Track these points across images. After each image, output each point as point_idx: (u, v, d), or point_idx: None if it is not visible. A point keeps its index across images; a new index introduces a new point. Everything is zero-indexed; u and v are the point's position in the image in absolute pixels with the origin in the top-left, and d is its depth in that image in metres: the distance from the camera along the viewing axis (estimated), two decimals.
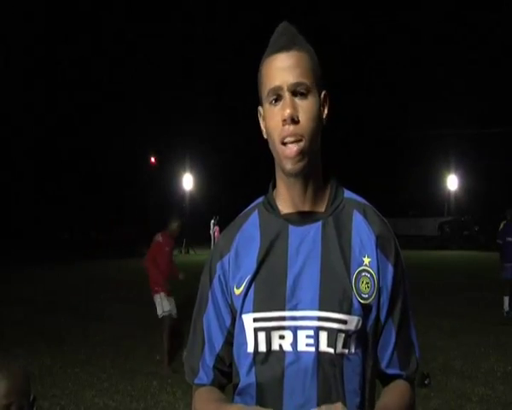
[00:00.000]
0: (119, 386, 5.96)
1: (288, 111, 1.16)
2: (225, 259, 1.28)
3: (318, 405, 1.16)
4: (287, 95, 1.18)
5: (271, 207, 1.29)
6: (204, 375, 1.30)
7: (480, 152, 43.63)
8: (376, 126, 50.54)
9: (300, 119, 1.17)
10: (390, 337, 1.25)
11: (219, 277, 1.28)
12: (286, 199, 1.27)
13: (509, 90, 46.00)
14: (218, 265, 1.29)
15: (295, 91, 1.18)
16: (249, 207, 1.35)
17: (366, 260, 1.21)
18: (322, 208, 1.26)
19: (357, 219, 1.26)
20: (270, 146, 1.24)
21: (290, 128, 1.17)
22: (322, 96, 1.25)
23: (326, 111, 1.27)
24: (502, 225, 10.05)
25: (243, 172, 47.35)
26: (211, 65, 60.72)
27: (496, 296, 10.22)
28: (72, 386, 5.98)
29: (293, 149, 1.17)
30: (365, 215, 1.27)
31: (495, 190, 40.83)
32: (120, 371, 6.53)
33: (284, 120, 1.17)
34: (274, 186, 1.32)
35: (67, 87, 46.98)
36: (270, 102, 1.21)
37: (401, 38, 60.47)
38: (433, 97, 52.30)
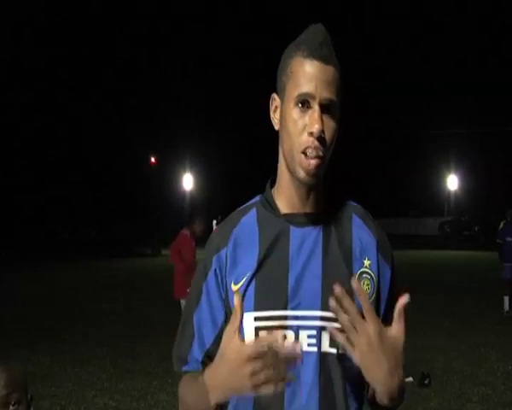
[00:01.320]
0: (119, 386, 5.96)
1: (317, 127, 1.15)
2: (222, 252, 1.26)
3: (320, 405, 1.16)
4: (317, 107, 1.17)
5: (270, 206, 1.29)
6: (192, 364, 1.28)
7: (480, 152, 43.67)
8: (377, 127, 50.56)
9: (326, 137, 1.18)
10: None
11: (215, 270, 1.26)
12: (287, 199, 1.27)
13: (509, 90, 46.01)
14: (214, 258, 1.27)
15: (325, 106, 1.18)
16: (246, 205, 1.34)
17: (366, 263, 1.23)
18: (322, 211, 1.27)
19: (356, 222, 1.27)
20: (284, 143, 1.23)
21: (315, 143, 1.16)
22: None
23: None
24: (501, 225, 10.07)
25: (243, 172, 47.34)
26: (211, 65, 60.69)
27: (496, 296, 10.23)
28: (72, 386, 5.97)
29: (312, 163, 1.17)
30: (363, 219, 1.29)
31: (495, 190, 40.85)
32: (120, 371, 6.53)
33: (311, 133, 1.16)
34: (272, 184, 1.32)
35: (68, 87, 46.97)
36: (296, 104, 1.19)
37: (402, 37, 60.49)
38: (433, 97, 52.31)
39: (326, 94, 1.17)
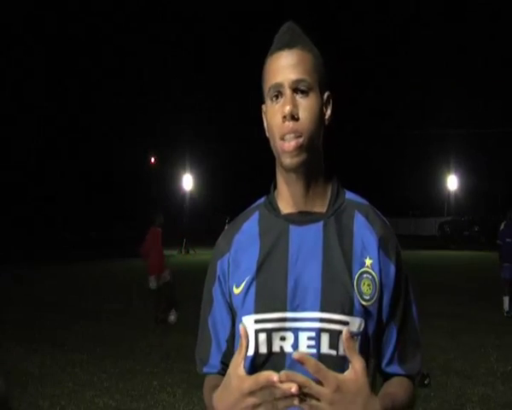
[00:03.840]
0: (119, 386, 5.96)
1: (287, 108, 1.16)
2: (225, 258, 1.28)
3: None
4: (288, 92, 1.17)
5: (272, 207, 1.29)
6: (213, 366, 1.32)
7: (480, 152, 43.65)
8: (376, 126, 50.55)
9: (300, 116, 1.17)
10: (391, 337, 1.24)
11: (219, 276, 1.29)
12: (287, 198, 1.27)
13: (509, 90, 46.01)
14: (219, 264, 1.30)
15: (296, 89, 1.18)
16: (250, 208, 1.35)
17: (368, 262, 1.21)
18: (323, 209, 1.26)
19: (359, 221, 1.25)
20: (271, 144, 1.23)
21: (290, 125, 1.16)
22: (326, 96, 1.25)
23: (329, 112, 1.26)
24: (502, 226, 10.07)
25: (243, 172, 47.34)
26: (211, 65, 60.67)
27: (496, 296, 10.23)
28: (72, 386, 5.97)
29: (291, 142, 1.17)
30: (367, 216, 1.26)
31: (495, 190, 40.84)
32: (120, 371, 6.52)
33: (284, 117, 1.16)
34: (275, 187, 1.32)
35: (68, 87, 46.96)
36: (272, 99, 1.20)
37: (402, 37, 60.50)
38: (433, 97, 52.32)
39: (293, 76, 1.17)
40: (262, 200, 1.34)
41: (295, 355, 1.02)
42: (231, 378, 1.08)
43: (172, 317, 8.87)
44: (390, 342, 1.24)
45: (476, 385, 5.74)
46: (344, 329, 1.09)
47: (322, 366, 1.03)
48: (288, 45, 1.19)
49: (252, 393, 1.03)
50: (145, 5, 64.62)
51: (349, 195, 1.31)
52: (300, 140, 1.17)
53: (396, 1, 62.58)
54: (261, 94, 1.28)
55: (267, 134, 1.26)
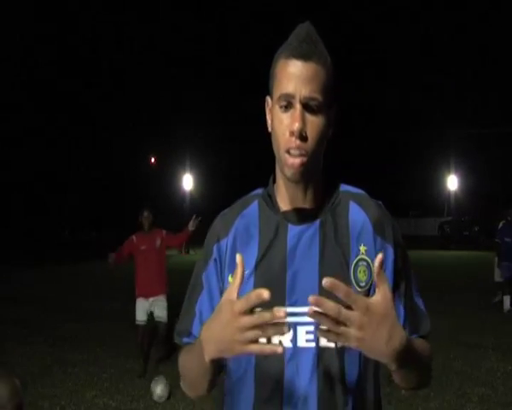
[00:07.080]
0: (120, 386, 5.97)
1: (297, 125, 1.15)
2: (223, 242, 1.29)
3: (318, 400, 1.17)
4: (298, 106, 1.17)
5: (271, 201, 1.31)
6: (193, 338, 1.29)
7: (480, 152, 43.64)
8: (376, 127, 50.55)
9: (308, 135, 1.17)
10: (399, 315, 1.24)
11: (215, 259, 1.29)
12: (285, 196, 1.29)
13: (509, 90, 46.02)
14: (215, 247, 1.29)
15: (307, 105, 1.17)
16: (248, 196, 1.36)
17: (362, 249, 1.23)
18: (320, 206, 1.28)
19: (353, 209, 1.27)
20: (273, 144, 1.24)
21: (297, 142, 1.17)
22: (333, 109, 1.25)
23: (334, 124, 1.27)
24: (501, 225, 10.08)
25: (244, 172, 47.34)
26: (211, 66, 60.70)
27: (496, 296, 10.23)
28: (72, 386, 5.98)
29: (295, 161, 1.17)
30: (360, 204, 1.28)
31: (495, 190, 40.81)
32: (120, 371, 6.53)
33: (292, 132, 1.16)
34: (274, 180, 1.33)
35: (68, 87, 46.98)
36: (281, 107, 1.20)
37: (401, 37, 60.51)
38: (433, 97, 52.33)
39: (306, 92, 1.17)
40: (260, 191, 1.35)
41: (326, 283, 0.97)
42: (222, 305, 1.04)
43: (158, 389, 5.43)
44: (399, 317, 1.23)
45: (476, 385, 5.74)
46: (379, 255, 1.03)
47: (352, 291, 1.00)
48: (304, 56, 1.18)
49: (243, 314, 1.00)
50: (144, 5, 64.64)
51: (343, 187, 1.33)
52: (305, 159, 1.18)
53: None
54: (265, 88, 1.27)
55: (269, 129, 1.27)
